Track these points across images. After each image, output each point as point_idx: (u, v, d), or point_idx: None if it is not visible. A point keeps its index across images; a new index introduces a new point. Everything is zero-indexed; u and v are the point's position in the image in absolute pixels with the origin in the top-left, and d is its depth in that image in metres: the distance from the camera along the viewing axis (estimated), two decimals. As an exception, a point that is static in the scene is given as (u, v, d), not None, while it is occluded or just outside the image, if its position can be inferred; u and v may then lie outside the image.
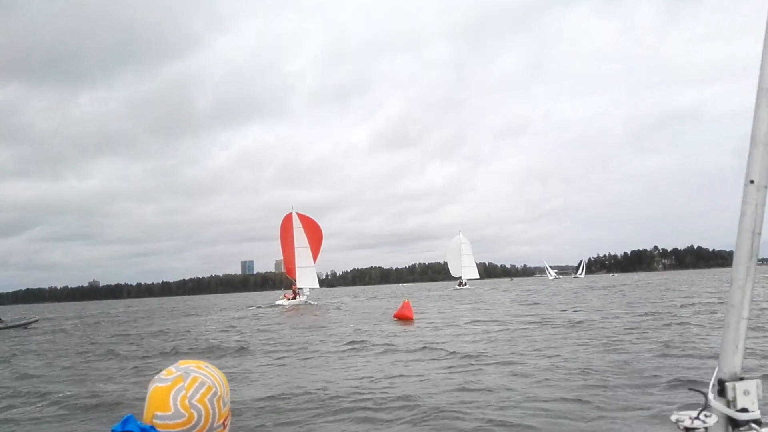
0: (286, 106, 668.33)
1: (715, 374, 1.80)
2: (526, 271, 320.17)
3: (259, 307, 56.99)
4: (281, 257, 66.83)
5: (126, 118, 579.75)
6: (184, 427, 1.35)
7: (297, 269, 61.70)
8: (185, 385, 1.37)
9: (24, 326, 41.66)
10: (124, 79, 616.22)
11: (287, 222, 63.30)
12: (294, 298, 58.95)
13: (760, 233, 1.78)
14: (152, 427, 1.32)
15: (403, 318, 28.42)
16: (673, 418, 1.77)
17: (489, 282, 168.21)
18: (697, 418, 1.72)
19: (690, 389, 2.24)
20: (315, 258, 63.63)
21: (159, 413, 1.34)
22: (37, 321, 44.43)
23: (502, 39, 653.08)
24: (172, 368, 1.43)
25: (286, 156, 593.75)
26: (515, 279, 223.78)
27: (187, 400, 1.36)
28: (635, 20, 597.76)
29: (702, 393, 1.80)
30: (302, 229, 62.51)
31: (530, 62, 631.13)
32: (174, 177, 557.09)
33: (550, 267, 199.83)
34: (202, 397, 1.38)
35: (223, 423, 1.44)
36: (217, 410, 1.40)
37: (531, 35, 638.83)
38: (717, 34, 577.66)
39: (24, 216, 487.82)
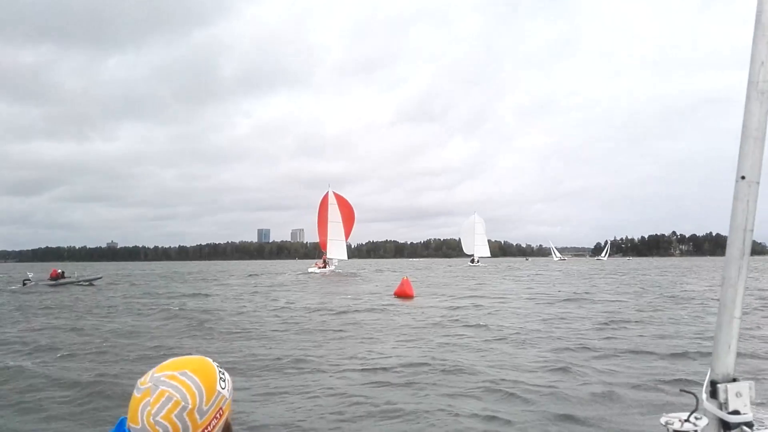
0: (312, 77, 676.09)
1: (708, 375, 1.76)
2: (542, 251, 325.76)
3: (300, 273, 66.49)
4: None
5: (153, 83, 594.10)
6: None
7: (329, 242, 70.99)
8: (151, 400, 1.34)
9: (82, 283, 46.38)
10: (153, 44, 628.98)
11: (325, 200, 73.05)
12: (324, 267, 67.85)
13: (752, 230, 1.81)
14: None
15: (403, 295, 29.14)
16: (663, 420, 1.75)
17: (503, 260, 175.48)
18: (687, 420, 1.70)
19: (681, 390, 2.14)
20: (347, 235, 73.94)
21: (132, 425, 1.34)
22: (101, 278, 50.43)
23: (532, 15, 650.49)
24: (147, 376, 1.40)
25: (309, 127, 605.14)
26: (531, 258, 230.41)
27: (152, 417, 1.32)
28: (669, 0, 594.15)
29: (693, 394, 1.79)
30: (336, 206, 72.38)
31: (560, 40, 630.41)
32: (197, 143, 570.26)
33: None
34: (168, 414, 1.33)
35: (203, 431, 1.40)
36: (189, 424, 1.36)
37: (562, 12, 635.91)
38: (749, 17, 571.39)
39: (48, 175, 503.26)
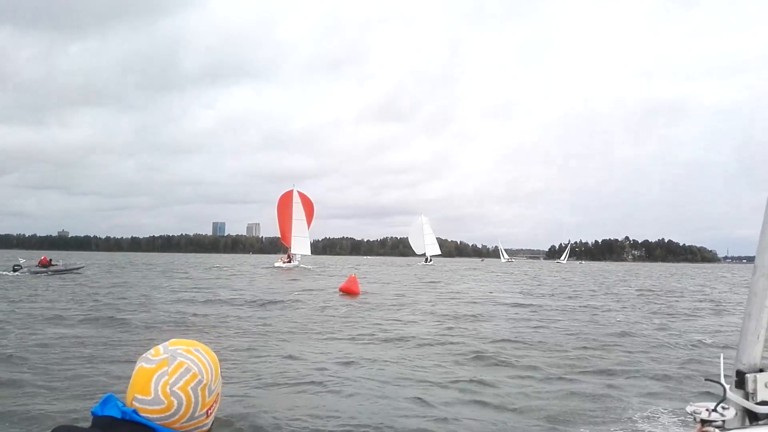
0: (278, 72, 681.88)
1: (729, 365, 1.74)
2: (497, 253, 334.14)
3: (266, 267, 72.98)
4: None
5: (115, 72, 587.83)
6: (162, 414, 1.32)
7: (293, 238, 77.74)
8: (169, 370, 1.34)
9: (68, 271, 48.88)
10: (117, 33, 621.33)
11: (287, 197, 79.84)
12: (289, 261, 74.61)
13: None
14: (134, 411, 1.31)
15: (349, 292, 29.51)
16: (689, 409, 1.71)
17: (458, 261, 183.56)
18: (714, 410, 1.65)
19: (707, 380, 2.11)
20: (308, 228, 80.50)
21: (139, 396, 1.33)
22: (83, 267, 53.42)
23: (498, 19, 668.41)
24: (160, 348, 1.41)
25: (273, 121, 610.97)
26: (485, 260, 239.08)
27: (168, 387, 1.33)
28: (631, 11, 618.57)
29: (720, 384, 1.73)
30: (300, 204, 79.11)
31: (525, 44, 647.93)
32: (157, 133, 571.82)
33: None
34: (185, 385, 1.35)
35: (207, 412, 1.41)
36: (200, 399, 1.38)
37: (528, 18, 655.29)
38: (710, 30, 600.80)
39: (1, 162, 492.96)
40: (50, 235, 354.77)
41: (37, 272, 46.55)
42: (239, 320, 19.19)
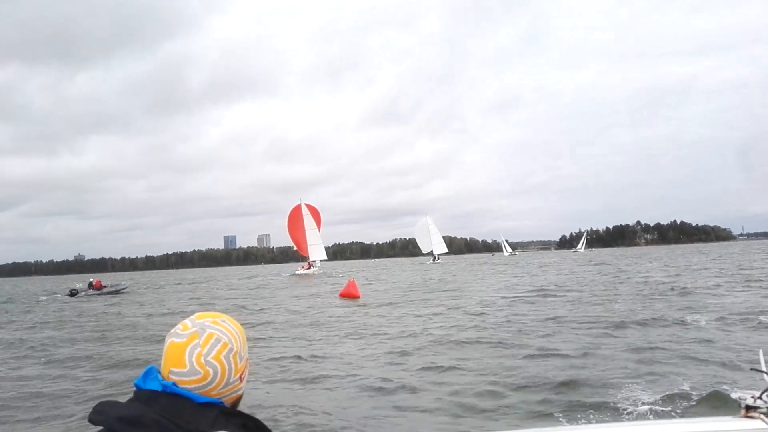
0: (279, 83, 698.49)
1: None
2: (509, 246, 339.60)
3: (291, 275, 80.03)
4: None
5: (122, 97, 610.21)
6: (200, 384, 1.41)
7: (309, 246, 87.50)
8: (200, 342, 1.43)
9: (118, 292, 51.33)
10: (122, 59, 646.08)
11: (296, 211, 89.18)
12: (309, 268, 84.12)
13: None
14: (174, 384, 1.39)
15: (349, 296, 30.33)
16: (735, 395, 1.76)
17: (468, 257, 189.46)
18: (759, 398, 1.71)
19: (752, 369, 2.13)
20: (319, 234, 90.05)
21: (175, 369, 1.41)
22: (127, 287, 55.46)
23: (496, 12, 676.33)
24: (187, 322, 1.50)
25: (277, 132, 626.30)
26: (496, 254, 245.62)
27: (202, 358, 1.42)
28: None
29: (765, 373, 1.81)
30: (310, 215, 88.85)
31: (524, 35, 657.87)
32: (166, 154, 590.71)
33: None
34: (218, 354, 1.44)
35: (240, 377, 1.51)
36: (233, 366, 1.47)
37: (525, 7, 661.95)
38: (711, 5, 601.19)
39: (17, 192, 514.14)
40: (67, 260, 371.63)
41: (96, 294, 49.63)
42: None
